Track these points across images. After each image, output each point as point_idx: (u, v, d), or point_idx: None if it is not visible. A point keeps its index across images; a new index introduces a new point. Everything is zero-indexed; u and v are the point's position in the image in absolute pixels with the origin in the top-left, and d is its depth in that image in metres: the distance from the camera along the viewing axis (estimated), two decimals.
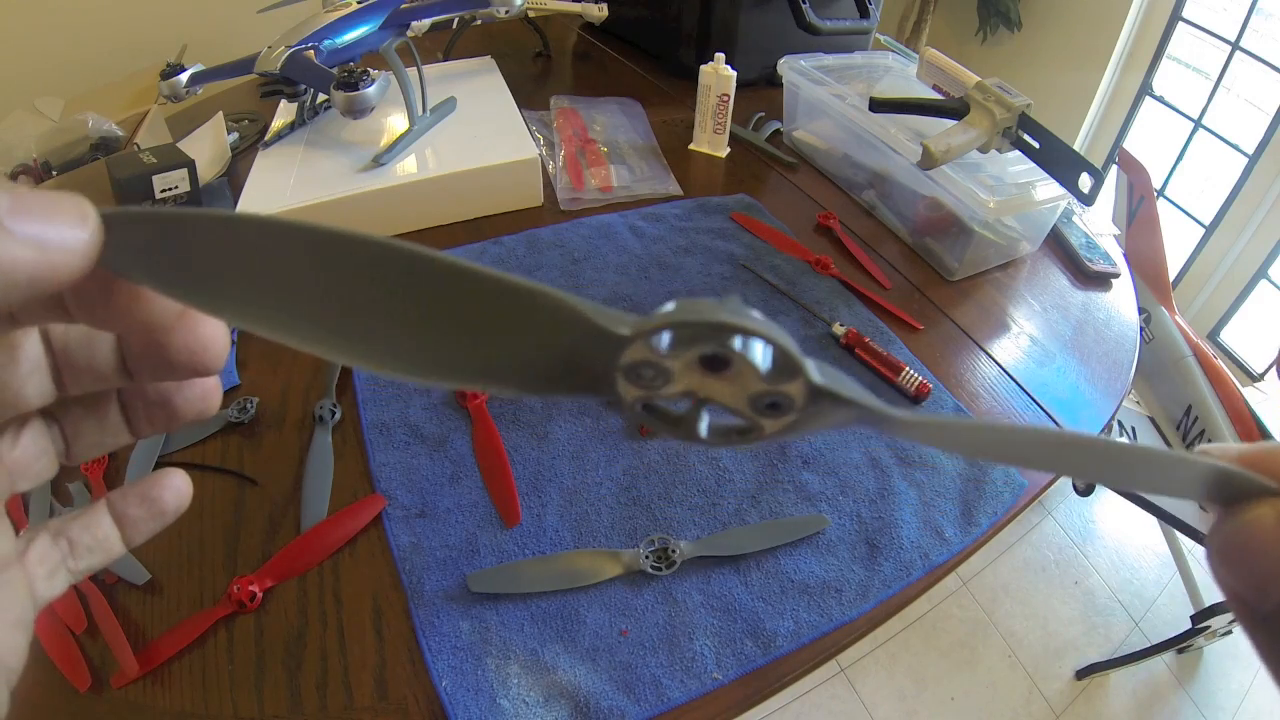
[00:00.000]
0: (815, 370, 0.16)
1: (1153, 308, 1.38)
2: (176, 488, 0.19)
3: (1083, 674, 1.31)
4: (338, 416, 0.55)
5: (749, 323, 0.15)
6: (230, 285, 0.15)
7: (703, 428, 0.16)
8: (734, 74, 0.84)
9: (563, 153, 0.87)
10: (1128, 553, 1.55)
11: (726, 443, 0.17)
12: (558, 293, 0.15)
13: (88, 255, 0.14)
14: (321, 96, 0.82)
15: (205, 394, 0.19)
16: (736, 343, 0.15)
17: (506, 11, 0.83)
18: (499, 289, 0.15)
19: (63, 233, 0.13)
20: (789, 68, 0.88)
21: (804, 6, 0.96)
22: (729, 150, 0.91)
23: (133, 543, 0.19)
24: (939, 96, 0.77)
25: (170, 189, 0.74)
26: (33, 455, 0.18)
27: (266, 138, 0.81)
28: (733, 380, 0.16)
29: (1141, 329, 0.80)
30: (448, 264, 0.14)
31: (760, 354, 0.15)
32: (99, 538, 0.18)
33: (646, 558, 0.46)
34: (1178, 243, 1.97)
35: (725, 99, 0.86)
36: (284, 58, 0.69)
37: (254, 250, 0.15)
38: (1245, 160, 1.80)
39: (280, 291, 0.15)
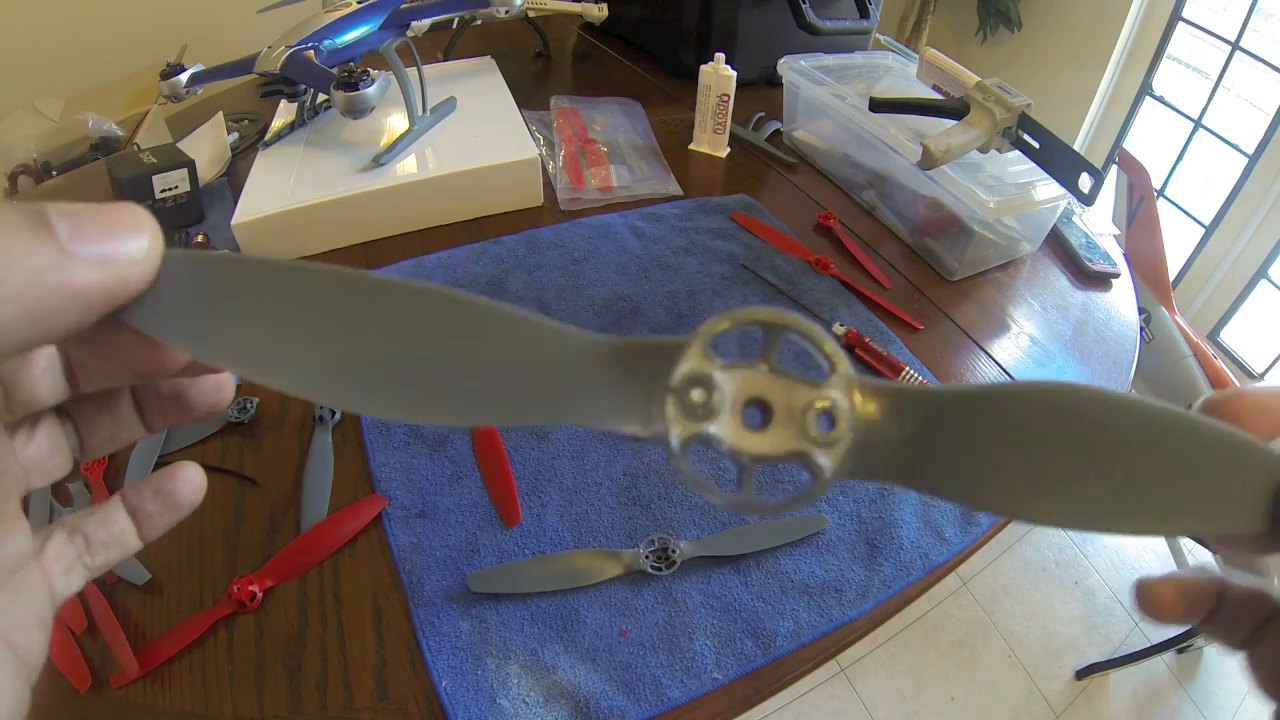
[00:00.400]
0: (851, 364, 0.16)
1: (1153, 308, 1.38)
2: (191, 480, 0.19)
3: (1083, 674, 1.32)
4: (338, 416, 0.55)
5: (785, 315, 0.15)
6: (261, 339, 0.15)
7: (751, 476, 0.16)
8: (734, 74, 0.84)
9: (563, 153, 0.87)
10: (1128, 553, 1.55)
11: (789, 504, 0.16)
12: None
13: (152, 261, 0.14)
14: (321, 96, 0.82)
15: (219, 387, 0.20)
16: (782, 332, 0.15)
17: (506, 11, 0.83)
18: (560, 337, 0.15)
19: (125, 245, 0.13)
20: (789, 68, 0.88)
21: (804, 6, 0.96)
22: (729, 150, 0.91)
23: (149, 537, 0.19)
24: (939, 96, 0.77)
25: (170, 189, 0.74)
26: (47, 453, 0.18)
27: (266, 138, 0.81)
28: (781, 390, 0.16)
29: (1141, 329, 0.80)
30: (510, 315, 0.15)
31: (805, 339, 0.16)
32: (115, 533, 0.18)
33: (646, 558, 0.46)
34: (1178, 243, 1.96)
35: (725, 99, 0.86)
36: (284, 58, 0.69)
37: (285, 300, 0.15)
38: (1245, 160, 1.79)
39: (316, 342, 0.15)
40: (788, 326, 0.16)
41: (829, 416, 0.16)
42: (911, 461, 0.16)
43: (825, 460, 0.16)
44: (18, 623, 0.15)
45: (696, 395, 0.15)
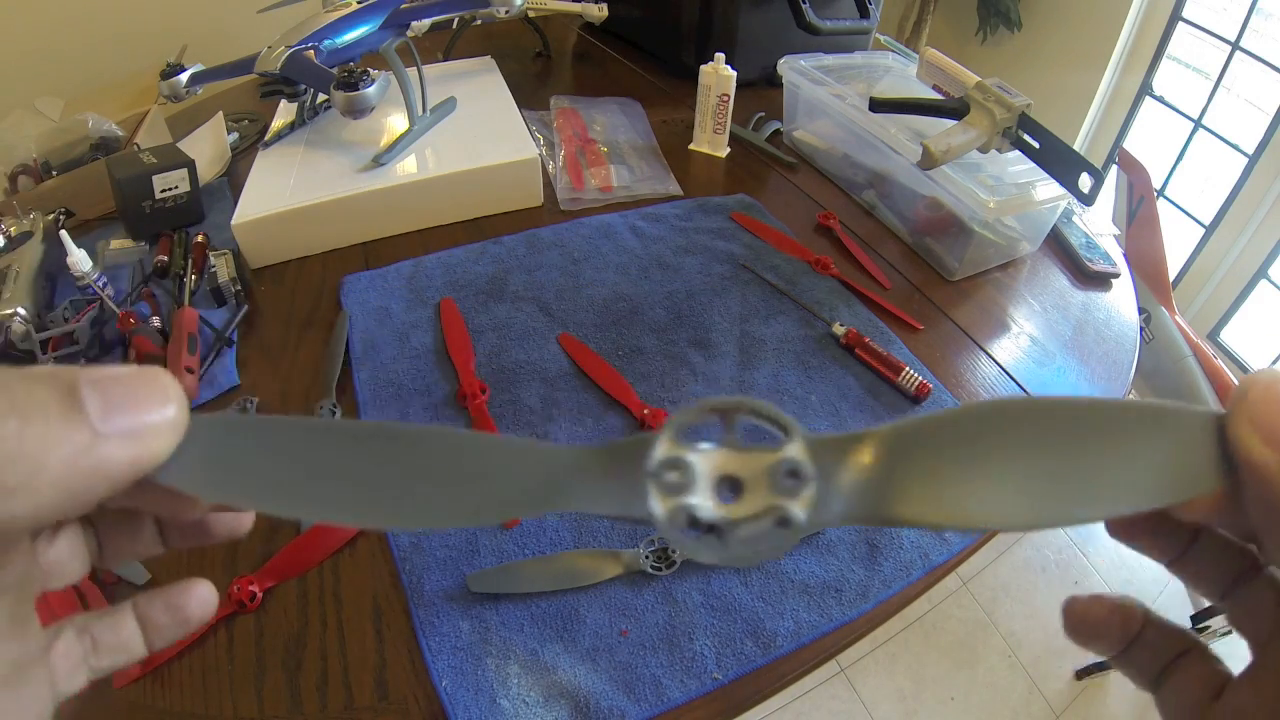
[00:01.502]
0: (802, 425, 0.18)
1: (1153, 308, 1.38)
2: (202, 599, 0.20)
3: (1083, 674, 1.32)
4: (338, 417, 0.55)
5: (736, 401, 0.18)
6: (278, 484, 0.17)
7: (734, 534, 0.18)
8: (734, 74, 0.84)
9: (563, 153, 0.87)
10: (1128, 553, 1.52)
11: (773, 551, 0.18)
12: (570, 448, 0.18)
13: (179, 430, 0.15)
14: (321, 96, 0.82)
15: (239, 519, 0.20)
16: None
17: (506, 11, 0.83)
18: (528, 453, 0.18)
19: (153, 419, 0.14)
20: (789, 68, 0.88)
21: (804, 6, 0.96)
22: (729, 150, 0.91)
23: (154, 647, 0.19)
24: (939, 96, 0.77)
25: (170, 189, 0.74)
26: (67, 557, 0.18)
27: (266, 138, 0.81)
28: (747, 461, 0.18)
29: (1141, 329, 0.80)
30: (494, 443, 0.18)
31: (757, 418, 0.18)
32: (123, 639, 0.19)
33: (646, 557, 0.46)
34: (1178, 243, 1.96)
35: (725, 99, 0.86)
36: (284, 58, 0.69)
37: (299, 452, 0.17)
38: (1245, 160, 1.79)
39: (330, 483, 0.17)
40: (741, 409, 0.19)
41: (795, 474, 0.18)
42: (876, 498, 0.18)
43: (796, 509, 0.18)
44: None
45: (673, 477, 0.18)
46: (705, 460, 0.18)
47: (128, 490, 0.15)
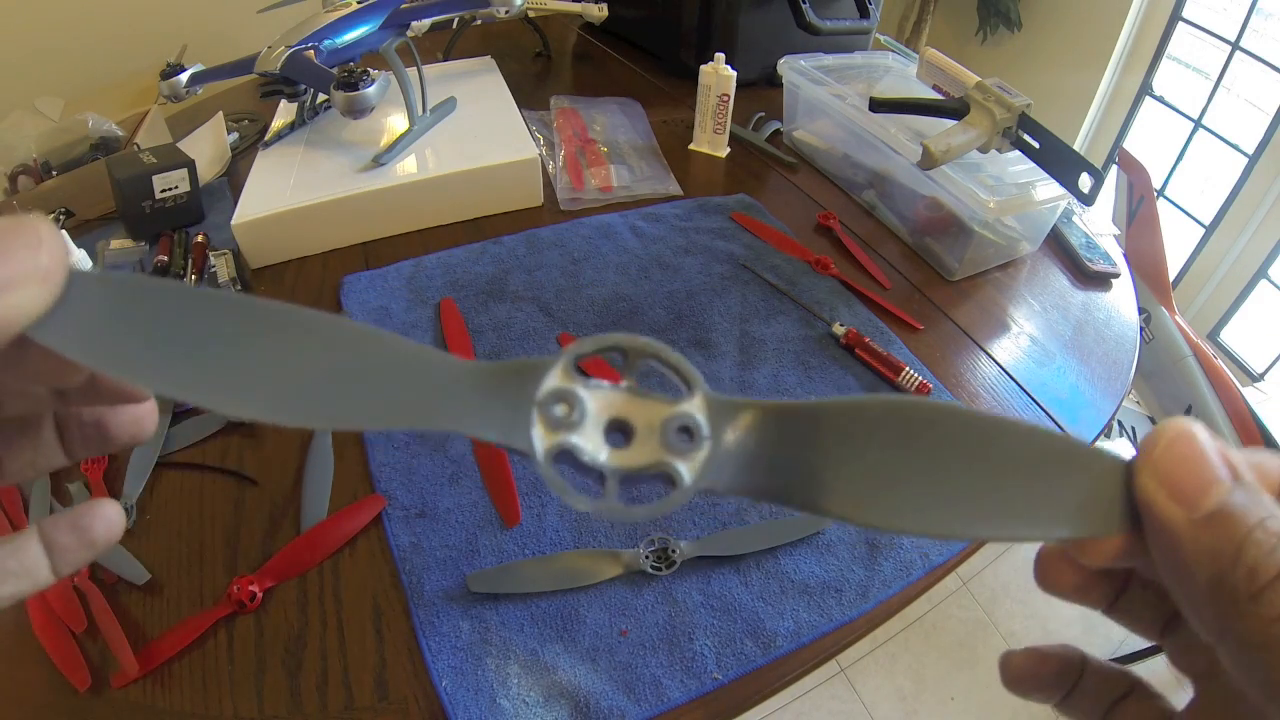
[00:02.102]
0: (707, 383, 0.17)
1: (1153, 308, 1.38)
2: (108, 518, 0.19)
3: None
4: None
5: (642, 341, 0.17)
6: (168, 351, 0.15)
7: (614, 483, 0.17)
8: (734, 74, 0.84)
9: (563, 153, 0.87)
10: None
11: (650, 511, 0.17)
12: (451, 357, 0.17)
13: (50, 281, 0.14)
14: (321, 96, 0.82)
15: (139, 418, 0.19)
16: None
17: (506, 11, 0.83)
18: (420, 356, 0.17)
19: (19, 268, 0.13)
20: (789, 68, 0.88)
21: (804, 6, 0.96)
22: (729, 150, 0.91)
23: (61, 572, 0.18)
24: (939, 96, 0.77)
25: (170, 189, 0.74)
26: None
27: (266, 138, 0.81)
28: (642, 409, 0.17)
29: (1141, 329, 0.80)
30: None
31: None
32: (27, 565, 0.18)
33: (646, 558, 0.46)
34: (1178, 243, 1.97)
35: (725, 99, 0.86)
36: (284, 58, 0.69)
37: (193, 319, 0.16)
38: (1245, 160, 1.80)
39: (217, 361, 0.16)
40: (645, 352, 0.17)
41: (688, 431, 0.17)
42: (771, 474, 0.17)
43: (684, 470, 0.17)
44: None
45: (560, 410, 0.17)
46: (598, 399, 0.17)
47: (4, 351, 0.14)
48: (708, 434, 0.17)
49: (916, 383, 0.58)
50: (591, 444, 0.17)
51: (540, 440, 0.17)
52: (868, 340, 0.62)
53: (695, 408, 0.17)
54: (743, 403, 0.17)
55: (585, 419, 0.17)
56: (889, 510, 0.16)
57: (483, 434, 0.17)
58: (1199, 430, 0.15)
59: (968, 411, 0.16)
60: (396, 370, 0.16)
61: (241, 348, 0.16)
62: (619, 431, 0.17)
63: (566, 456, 0.17)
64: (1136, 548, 0.16)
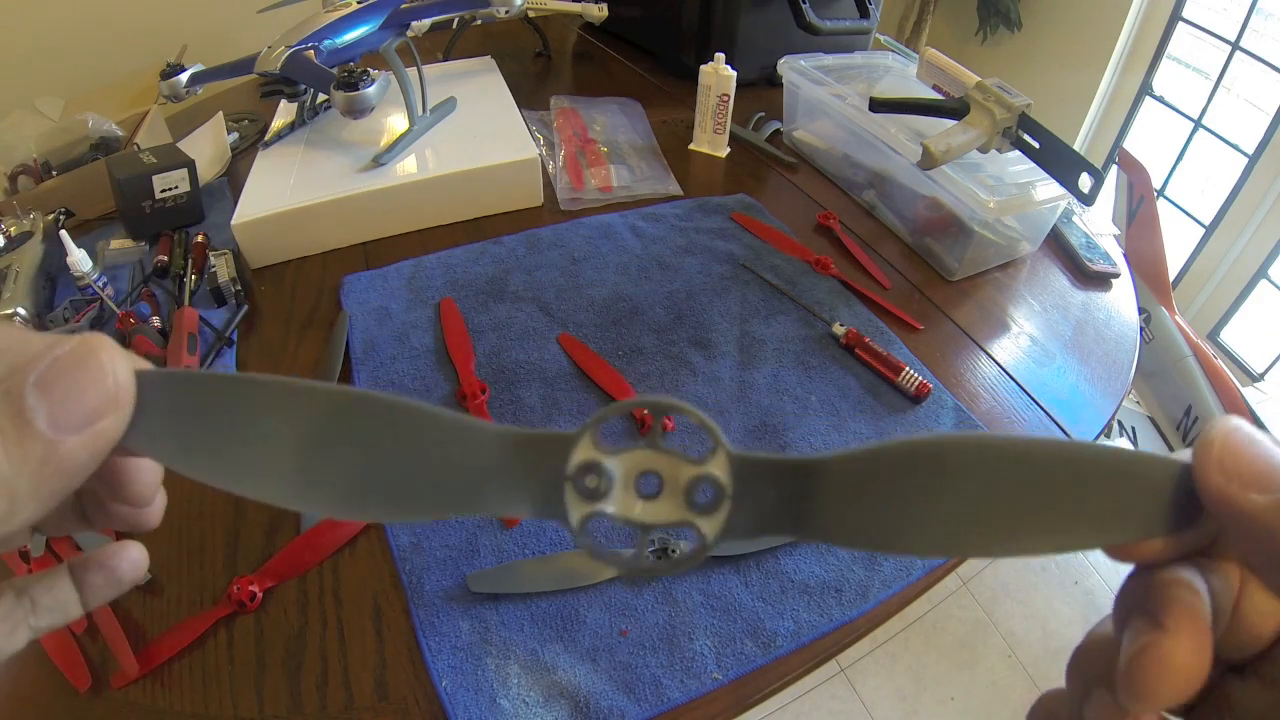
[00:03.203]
0: (731, 442, 0.18)
1: (1153, 308, 1.38)
2: (134, 560, 0.21)
3: None
4: None
5: (668, 399, 0.18)
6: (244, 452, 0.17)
7: (644, 543, 0.18)
8: (734, 74, 0.84)
9: (563, 153, 0.87)
10: None
11: (675, 567, 0.18)
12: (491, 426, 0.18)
13: (123, 402, 0.15)
14: (321, 96, 0.82)
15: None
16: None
17: (506, 11, 0.83)
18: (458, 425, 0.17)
19: (96, 404, 0.14)
20: (789, 68, 0.88)
21: (804, 6, 0.96)
22: (729, 150, 0.91)
23: (89, 605, 0.20)
24: (939, 96, 0.77)
25: (170, 189, 0.74)
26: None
27: (266, 138, 0.81)
28: (667, 464, 0.18)
29: (1141, 329, 0.80)
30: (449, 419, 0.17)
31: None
32: (59, 600, 0.19)
33: (647, 558, 0.46)
34: (1178, 243, 1.96)
35: (725, 99, 0.86)
36: (284, 58, 0.69)
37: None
38: (1245, 160, 1.79)
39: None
40: (670, 409, 0.18)
41: (712, 487, 0.18)
42: (793, 519, 0.18)
43: (707, 528, 0.18)
44: None
45: (590, 482, 0.18)
46: (624, 462, 0.18)
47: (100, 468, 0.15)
48: (730, 494, 0.18)
49: (916, 383, 0.58)
50: (620, 506, 0.18)
51: (574, 513, 0.18)
52: (868, 340, 0.62)
53: (717, 466, 0.18)
54: (764, 460, 0.18)
55: (613, 484, 0.18)
56: (915, 538, 0.17)
57: (524, 513, 0.18)
58: (1244, 423, 0.16)
59: (973, 440, 0.17)
60: (443, 456, 0.17)
61: (310, 452, 0.17)
62: (653, 478, 0.18)
63: (597, 520, 0.18)
64: (1179, 546, 0.16)
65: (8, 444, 0.13)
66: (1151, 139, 2.07)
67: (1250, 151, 1.78)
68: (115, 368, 0.15)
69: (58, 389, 0.14)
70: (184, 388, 0.16)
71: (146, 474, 0.18)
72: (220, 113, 0.92)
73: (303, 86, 0.80)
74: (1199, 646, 0.15)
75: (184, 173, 0.74)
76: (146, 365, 0.16)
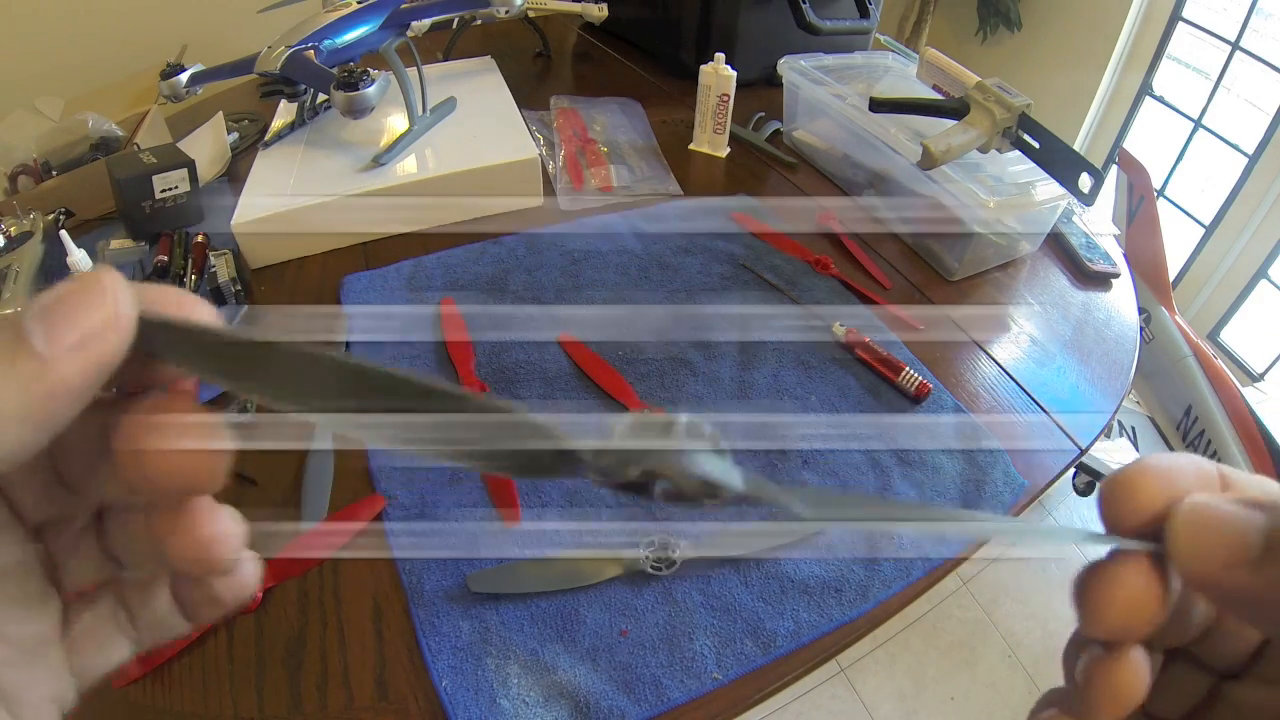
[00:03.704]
0: (741, 481, 0.18)
1: (1153, 308, 1.38)
2: (236, 580, 0.19)
3: None
4: None
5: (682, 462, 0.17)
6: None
7: (657, 492, 0.17)
8: (734, 74, 0.84)
9: (563, 153, 0.87)
10: None
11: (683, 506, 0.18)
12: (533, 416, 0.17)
13: (122, 324, 0.15)
14: (321, 96, 0.82)
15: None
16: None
17: (506, 11, 0.83)
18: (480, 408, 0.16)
19: (91, 323, 0.14)
20: (789, 68, 0.88)
21: (804, 6, 0.96)
22: (729, 150, 0.91)
23: (198, 620, 0.20)
24: (939, 96, 0.77)
25: (170, 189, 0.74)
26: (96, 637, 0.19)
27: (266, 138, 0.81)
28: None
29: (1141, 329, 0.80)
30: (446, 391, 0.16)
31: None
32: (159, 615, 0.19)
33: (646, 558, 0.46)
34: (1178, 243, 1.96)
35: (725, 99, 0.86)
36: (284, 58, 0.69)
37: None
38: (1245, 160, 1.79)
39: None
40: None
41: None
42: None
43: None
44: (32, 702, 0.16)
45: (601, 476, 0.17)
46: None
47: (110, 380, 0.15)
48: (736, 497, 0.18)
49: (916, 383, 0.58)
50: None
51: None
52: (868, 340, 0.62)
53: (728, 495, 0.18)
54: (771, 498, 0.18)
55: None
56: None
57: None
58: (1182, 479, 0.15)
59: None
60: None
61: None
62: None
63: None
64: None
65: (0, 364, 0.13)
66: (1151, 139, 2.07)
67: (1250, 151, 1.78)
68: (117, 292, 0.15)
69: (58, 311, 0.14)
70: (192, 338, 0.16)
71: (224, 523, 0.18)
72: (220, 113, 0.92)
73: (303, 86, 0.80)
74: (1141, 664, 0.15)
75: (184, 173, 0.74)
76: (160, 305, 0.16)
